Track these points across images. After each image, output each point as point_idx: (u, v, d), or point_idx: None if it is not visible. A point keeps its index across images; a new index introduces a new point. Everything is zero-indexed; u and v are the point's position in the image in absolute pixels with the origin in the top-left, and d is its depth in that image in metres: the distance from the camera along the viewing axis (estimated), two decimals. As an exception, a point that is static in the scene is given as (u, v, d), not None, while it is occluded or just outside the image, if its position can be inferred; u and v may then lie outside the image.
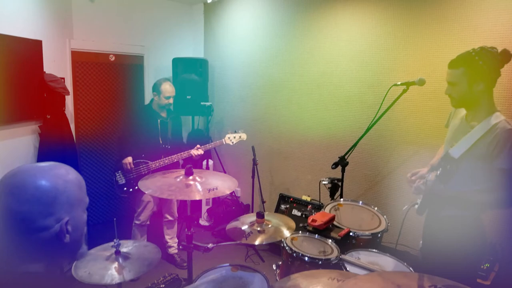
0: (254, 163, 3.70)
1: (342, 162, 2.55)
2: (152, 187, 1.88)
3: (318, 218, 2.18)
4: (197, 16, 4.67)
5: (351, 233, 2.17)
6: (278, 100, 3.89)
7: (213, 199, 4.25)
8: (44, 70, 3.08)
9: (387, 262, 1.98)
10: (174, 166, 3.10)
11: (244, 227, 1.93)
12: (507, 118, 1.65)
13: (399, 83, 2.31)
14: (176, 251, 3.42)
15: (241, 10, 4.14)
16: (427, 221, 1.95)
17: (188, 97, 4.14)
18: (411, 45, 2.84)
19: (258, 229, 1.89)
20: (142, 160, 3.05)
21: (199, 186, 1.90)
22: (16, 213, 0.83)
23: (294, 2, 3.62)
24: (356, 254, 2.02)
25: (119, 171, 3.05)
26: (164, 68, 4.40)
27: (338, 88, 3.36)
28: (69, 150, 3.30)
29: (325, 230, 2.19)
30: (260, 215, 1.93)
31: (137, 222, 3.18)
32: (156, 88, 3.09)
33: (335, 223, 2.26)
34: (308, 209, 3.51)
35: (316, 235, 2.19)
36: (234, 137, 3.29)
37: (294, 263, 1.98)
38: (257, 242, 1.81)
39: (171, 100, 3.11)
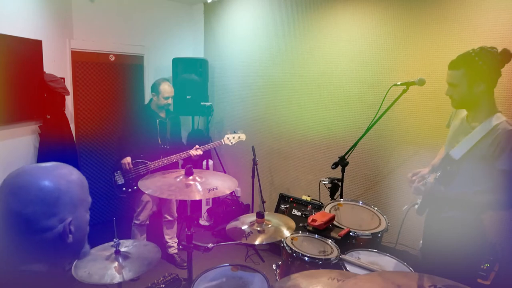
0: (254, 163, 3.70)
1: (342, 162, 2.55)
2: (152, 187, 1.88)
3: (318, 218, 2.18)
4: (197, 16, 4.67)
5: (351, 233, 2.17)
6: (278, 100, 3.89)
7: (213, 199, 4.25)
8: (44, 70, 3.08)
9: (387, 262, 1.98)
10: (173, 166, 3.10)
11: (244, 227, 1.93)
12: (508, 119, 1.64)
13: (399, 83, 2.31)
14: (176, 251, 3.42)
15: (241, 10, 4.14)
16: (428, 221, 1.95)
17: (188, 97, 4.15)
18: (411, 45, 2.84)
19: (258, 229, 1.89)
20: (141, 160, 3.05)
21: (199, 186, 1.90)
22: (20, 213, 0.83)
23: (294, 2, 3.62)
24: (356, 254, 2.02)
25: (118, 171, 3.05)
26: (164, 68, 4.40)
27: (338, 88, 3.36)
28: (69, 150, 3.30)
29: (325, 230, 2.19)
30: (260, 215, 1.94)
31: (136, 222, 3.18)
32: (154, 88, 3.08)
33: (335, 223, 2.26)
34: (308, 209, 3.51)
35: (316, 235, 2.19)
36: (233, 138, 3.29)
37: (294, 263, 1.98)
38: (257, 242, 1.81)
39: (170, 101, 3.11)
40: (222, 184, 1.93)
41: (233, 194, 4.30)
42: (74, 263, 1.65)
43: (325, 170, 3.50)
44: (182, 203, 4.28)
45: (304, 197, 3.61)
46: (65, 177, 0.91)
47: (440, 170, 1.80)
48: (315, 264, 1.92)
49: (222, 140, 3.28)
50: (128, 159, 3.00)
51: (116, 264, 1.70)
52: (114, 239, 1.76)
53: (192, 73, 4.15)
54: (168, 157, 3.05)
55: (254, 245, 3.56)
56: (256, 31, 3.99)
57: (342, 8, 3.25)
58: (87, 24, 3.71)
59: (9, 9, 2.72)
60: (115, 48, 4.00)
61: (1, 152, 2.74)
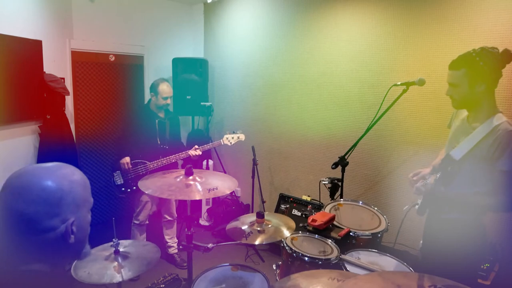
0: (254, 163, 3.70)
1: (342, 162, 2.55)
2: (152, 187, 1.88)
3: (318, 218, 2.18)
4: (197, 16, 4.67)
5: (351, 233, 2.17)
6: (278, 100, 3.89)
7: (213, 199, 4.25)
8: (44, 70, 3.08)
9: (387, 262, 1.98)
10: (172, 166, 3.10)
11: (244, 227, 1.93)
12: (508, 119, 1.64)
13: (399, 83, 2.31)
14: (176, 251, 3.42)
15: (241, 10, 4.14)
16: (428, 221, 1.95)
17: (188, 97, 4.15)
18: (411, 45, 2.84)
19: (258, 229, 1.89)
20: (140, 161, 3.05)
21: (199, 186, 1.90)
22: (22, 214, 0.83)
23: (294, 2, 3.62)
24: (356, 254, 2.02)
25: (117, 171, 3.05)
26: (164, 68, 4.40)
27: (338, 88, 3.36)
28: (69, 150, 3.29)
29: (325, 230, 2.18)
30: (260, 215, 1.93)
31: (136, 222, 3.18)
32: (153, 88, 3.08)
33: (335, 223, 2.26)
34: (308, 209, 3.51)
35: (316, 235, 2.19)
36: (232, 138, 3.29)
37: (294, 263, 1.98)
38: (257, 242, 1.81)
39: (168, 101, 3.11)
40: (222, 184, 1.93)
41: (233, 194, 4.30)
42: (74, 263, 1.65)
43: (325, 170, 3.49)
44: (182, 203, 4.28)
45: (304, 197, 3.61)
46: (67, 177, 0.91)
47: (441, 171, 1.79)
48: (315, 264, 1.92)
49: (221, 140, 3.28)
50: (127, 159, 2.99)
51: (115, 264, 1.70)
52: (114, 239, 1.76)
53: (192, 73, 4.15)
54: (167, 157, 3.05)
55: (254, 245, 3.56)
56: (256, 31, 3.99)
57: (342, 8, 3.25)
58: (87, 24, 3.71)
59: (9, 9, 2.72)
60: (115, 48, 4.00)
61: (1, 152, 2.74)
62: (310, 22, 3.50)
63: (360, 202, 2.54)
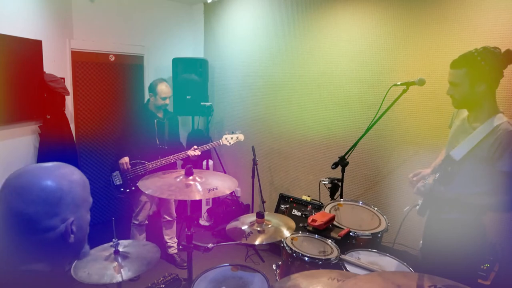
0: (254, 163, 3.70)
1: (342, 162, 2.55)
2: (152, 187, 1.88)
3: (318, 218, 2.18)
4: (197, 16, 4.67)
5: (351, 233, 2.17)
6: (278, 100, 3.89)
7: (213, 199, 4.25)
8: (44, 70, 3.08)
9: (387, 262, 1.98)
10: (171, 166, 3.10)
11: (244, 227, 1.93)
12: (509, 119, 1.63)
13: (399, 83, 2.31)
14: (176, 251, 3.42)
15: (241, 10, 4.14)
16: (428, 221, 1.94)
17: (188, 97, 4.15)
18: (411, 45, 2.84)
19: (258, 229, 1.89)
20: (139, 161, 3.05)
21: (199, 186, 1.90)
22: (22, 214, 0.83)
23: (294, 2, 3.62)
24: (356, 254, 2.02)
25: (116, 172, 3.05)
26: (164, 68, 4.40)
27: (338, 88, 3.36)
28: (69, 150, 3.29)
29: (325, 230, 2.18)
30: (260, 215, 1.93)
31: (135, 222, 3.18)
32: (152, 89, 3.08)
33: (335, 223, 2.26)
34: (308, 209, 3.51)
35: (316, 235, 2.19)
36: (232, 138, 3.29)
37: (294, 263, 1.98)
38: (257, 242, 1.80)
39: (167, 101, 3.11)
40: (222, 184, 1.93)
41: (233, 194, 4.30)
42: (74, 263, 1.65)
43: (325, 170, 3.49)
44: (182, 203, 4.28)
45: (304, 197, 3.60)
46: (67, 177, 0.91)
47: (440, 171, 1.79)
48: (315, 264, 1.92)
49: (220, 140, 3.28)
50: (126, 159, 2.99)
51: (115, 264, 1.70)
52: (113, 239, 1.76)
53: (192, 73, 4.15)
54: (166, 158, 3.05)
55: (254, 245, 3.55)
56: (256, 31, 3.99)
57: (342, 8, 3.25)
58: (87, 24, 3.71)
59: (9, 9, 2.72)
60: (115, 48, 4.00)
61: (1, 152, 2.74)
62: (310, 22, 3.50)
63: (360, 202, 2.54)
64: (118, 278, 1.62)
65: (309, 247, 2.07)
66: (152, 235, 3.45)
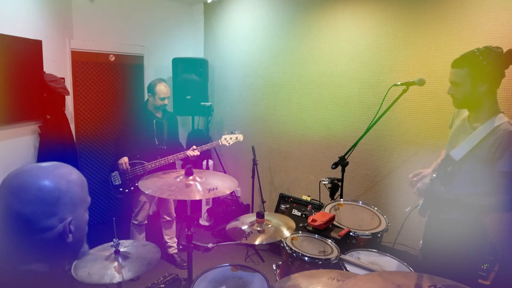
0: (254, 163, 3.70)
1: (342, 162, 2.55)
2: (152, 187, 1.88)
3: (318, 218, 2.18)
4: (197, 16, 4.67)
5: (351, 233, 2.17)
6: (278, 100, 3.89)
7: (213, 199, 4.25)
8: (44, 70, 3.07)
9: (387, 262, 1.98)
10: (170, 167, 3.09)
11: (244, 227, 1.93)
12: (510, 119, 1.63)
13: (399, 83, 2.31)
14: (176, 251, 3.42)
15: (241, 10, 4.14)
16: (428, 221, 1.94)
17: (188, 97, 4.15)
18: (411, 45, 2.84)
19: (258, 229, 1.89)
20: (138, 161, 3.05)
21: (199, 186, 1.90)
22: (20, 213, 0.83)
23: (294, 2, 3.62)
24: (356, 254, 2.02)
25: (115, 172, 3.05)
26: (164, 68, 4.40)
27: (338, 88, 3.36)
28: (69, 150, 3.29)
29: (325, 230, 2.19)
30: (260, 215, 1.93)
31: (135, 222, 3.18)
32: (151, 89, 3.08)
33: (335, 223, 2.26)
34: (308, 209, 3.51)
35: (316, 235, 2.19)
36: (231, 138, 3.29)
37: (294, 263, 1.98)
38: (257, 242, 1.80)
39: (166, 101, 3.10)
40: (222, 184, 1.93)
41: (233, 194, 4.30)
42: (74, 263, 1.65)
43: (325, 170, 3.49)
44: (181, 203, 4.28)
45: (304, 197, 3.60)
46: (65, 176, 0.91)
47: (439, 171, 1.79)
48: (315, 264, 1.92)
49: (219, 140, 3.28)
50: (125, 159, 2.99)
51: (115, 264, 1.70)
52: (114, 239, 1.76)
53: (192, 73, 4.15)
54: (165, 158, 3.05)
55: (254, 245, 3.55)
56: (256, 31, 3.99)
57: (342, 8, 3.25)
58: (87, 24, 3.71)
59: (9, 9, 2.72)
60: (115, 48, 4.00)
61: (1, 152, 2.74)
62: (310, 22, 3.50)
63: (360, 202, 2.54)
64: (118, 278, 1.62)
65: (309, 247, 2.07)
66: (152, 235, 3.45)
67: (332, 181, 2.62)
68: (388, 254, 2.05)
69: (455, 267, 1.65)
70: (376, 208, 2.45)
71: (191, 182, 1.94)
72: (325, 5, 3.37)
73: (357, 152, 3.14)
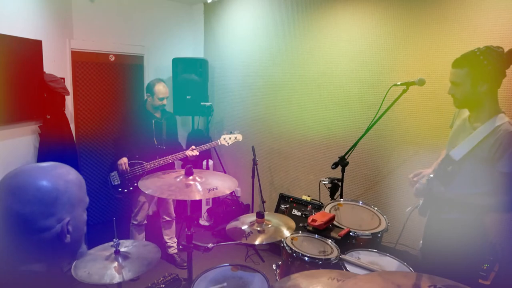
0: (254, 163, 3.70)
1: (342, 162, 2.55)
2: (152, 187, 1.88)
3: (318, 218, 2.18)
4: (197, 16, 4.67)
5: (351, 233, 2.17)
6: (278, 100, 3.89)
7: (213, 199, 4.25)
8: (44, 70, 3.07)
9: (387, 262, 1.98)
10: (169, 167, 3.09)
11: (244, 227, 1.93)
12: (510, 120, 1.62)
13: (399, 83, 2.31)
14: (175, 251, 3.42)
15: (241, 10, 4.14)
16: (428, 221, 1.94)
17: (188, 97, 4.15)
18: (411, 45, 2.84)
19: (258, 229, 1.89)
20: (137, 161, 3.05)
21: (199, 186, 1.90)
22: (18, 214, 0.83)
23: (294, 2, 3.62)
24: (356, 254, 2.02)
25: (114, 172, 3.05)
26: (164, 68, 4.40)
27: (338, 88, 3.36)
28: (69, 150, 3.29)
29: (325, 230, 2.19)
30: (260, 215, 1.93)
31: (134, 222, 3.19)
32: (149, 89, 3.08)
33: (335, 223, 2.26)
34: (308, 209, 3.51)
35: (316, 235, 2.19)
36: (230, 138, 3.29)
37: (294, 263, 1.98)
38: (257, 242, 1.80)
39: (165, 101, 3.10)
40: (222, 184, 1.93)
41: (233, 194, 4.30)
42: (74, 263, 1.65)
43: (325, 170, 3.49)
44: (182, 203, 4.28)
45: (304, 197, 3.60)
46: (63, 177, 0.91)
47: (438, 171, 1.79)
48: (315, 264, 1.92)
49: (219, 140, 3.28)
50: (124, 159, 2.99)
51: (115, 264, 1.70)
52: (114, 239, 1.76)
53: (192, 73, 4.15)
54: (164, 158, 3.05)
55: (254, 245, 3.56)
56: (256, 31, 3.99)
57: (342, 8, 3.25)
58: (87, 24, 3.70)
59: (9, 9, 2.72)
60: (115, 48, 4.00)
61: (1, 152, 2.73)
62: (310, 22, 3.50)
63: (360, 202, 2.54)
64: (118, 279, 1.61)
65: (309, 247, 2.07)
66: (151, 235, 3.46)
67: (332, 181, 2.62)
68: (388, 254, 2.05)
69: (455, 267, 1.65)
70: (376, 208, 2.45)
71: (191, 182, 1.94)
72: (325, 5, 3.37)
73: (357, 152, 3.14)
